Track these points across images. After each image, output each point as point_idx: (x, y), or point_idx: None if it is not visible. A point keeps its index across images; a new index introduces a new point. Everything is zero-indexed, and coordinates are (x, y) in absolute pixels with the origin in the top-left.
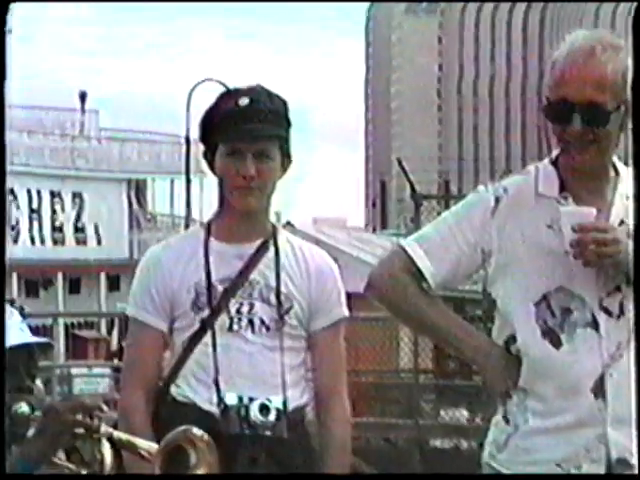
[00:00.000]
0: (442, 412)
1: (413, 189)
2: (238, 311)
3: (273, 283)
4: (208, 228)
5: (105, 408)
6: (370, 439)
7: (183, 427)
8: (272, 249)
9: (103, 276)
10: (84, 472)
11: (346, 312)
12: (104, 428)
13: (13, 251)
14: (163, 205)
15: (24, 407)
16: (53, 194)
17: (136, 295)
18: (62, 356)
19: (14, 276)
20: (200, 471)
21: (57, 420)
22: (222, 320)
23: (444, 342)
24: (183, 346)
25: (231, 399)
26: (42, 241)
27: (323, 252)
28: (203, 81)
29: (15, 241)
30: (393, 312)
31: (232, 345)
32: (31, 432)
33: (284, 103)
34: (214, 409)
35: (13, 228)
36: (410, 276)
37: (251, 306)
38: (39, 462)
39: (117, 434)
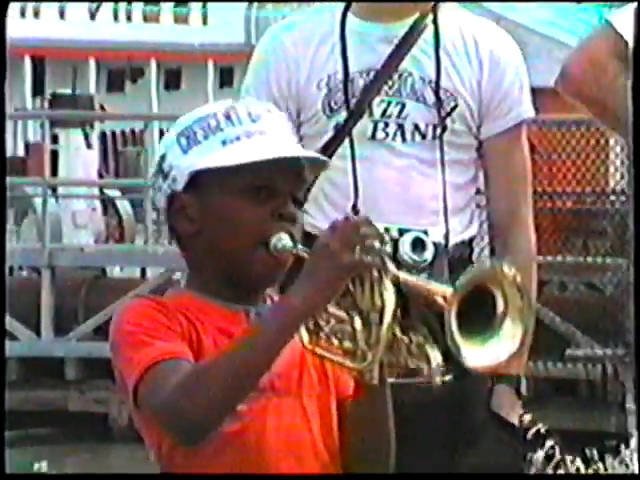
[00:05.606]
0: None
1: None
2: (384, 113)
3: (431, 74)
4: (347, 3)
5: (387, 238)
6: (567, 283)
7: (489, 264)
8: (430, 28)
9: (211, 66)
10: (358, 321)
11: (531, 112)
12: (390, 266)
13: (90, 30)
14: None
15: (285, 239)
16: None
17: (250, 90)
18: None
19: (91, 63)
20: (509, 320)
21: (332, 263)
22: (363, 125)
23: None
24: None
25: None
26: (128, 17)
27: (501, 32)
28: None
29: (92, 17)
30: (596, 112)
31: (376, 158)
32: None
33: None
34: None
35: None
36: (620, 62)
37: (402, 106)
38: (309, 312)
39: (403, 275)
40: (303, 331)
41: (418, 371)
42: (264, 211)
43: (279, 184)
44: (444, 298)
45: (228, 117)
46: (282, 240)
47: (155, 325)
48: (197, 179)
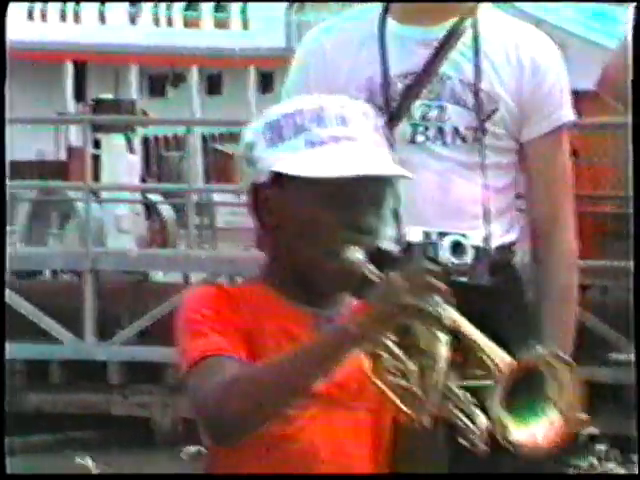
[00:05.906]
0: None
1: None
2: (424, 117)
3: (471, 77)
4: (385, 5)
5: (443, 287)
6: (609, 288)
7: (544, 347)
8: (470, 32)
9: (252, 71)
10: (412, 364)
11: (571, 115)
12: (447, 315)
13: (131, 34)
14: None
15: (357, 254)
16: None
17: (290, 92)
18: (200, 177)
19: (133, 69)
20: (555, 409)
21: (391, 298)
22: (402, 129)
23: None
24: None
25: (415, 234)
26: (169, 22)
27: (542, 35)
28: None
29: (132, 21)
30: None
31: (415, 161)
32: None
33: None
34: (392, 247)
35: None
36: None
37: (441, 110)
38: (361, 338)
39: (465, 327)
40: (367, 359)
41: (464, 428)
42: (340, 221)
43: (360, 195)
44: (495, 364)
45: (316, 116)
46: (354, 254)
47: (215, 316)
48: (280, 176)
